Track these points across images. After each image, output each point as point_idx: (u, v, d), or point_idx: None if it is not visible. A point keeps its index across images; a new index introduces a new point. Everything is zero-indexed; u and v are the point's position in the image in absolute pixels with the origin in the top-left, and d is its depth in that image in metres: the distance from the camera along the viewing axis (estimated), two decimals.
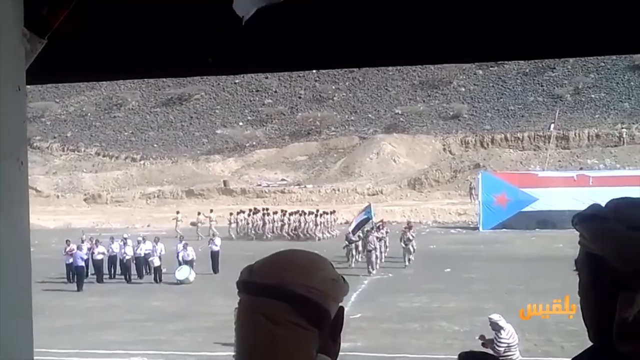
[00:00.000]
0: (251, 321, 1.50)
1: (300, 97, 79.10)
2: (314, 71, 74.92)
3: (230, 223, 44.73)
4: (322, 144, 71.84)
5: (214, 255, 31.51)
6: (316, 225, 42.86)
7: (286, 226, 43.86)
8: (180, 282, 29.11)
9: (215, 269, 30.99)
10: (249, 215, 45.10)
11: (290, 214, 44.21)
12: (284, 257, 1.56)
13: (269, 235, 42.95)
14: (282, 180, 65.71)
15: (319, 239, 41.07)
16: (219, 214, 46.21)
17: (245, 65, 2.49)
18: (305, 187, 61.23)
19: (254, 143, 74.61)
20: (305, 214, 43.62)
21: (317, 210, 44.24)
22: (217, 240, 32.90)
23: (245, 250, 30.55)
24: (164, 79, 75.85)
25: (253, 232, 43.73)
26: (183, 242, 32.01)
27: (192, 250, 30.75)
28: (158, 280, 30.08)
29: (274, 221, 44.29)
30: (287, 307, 1.47)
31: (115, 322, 22.30)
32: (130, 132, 78.76)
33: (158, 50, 2.26)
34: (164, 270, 30.34)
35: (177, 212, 47.33)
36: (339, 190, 58.90)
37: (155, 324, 21.99)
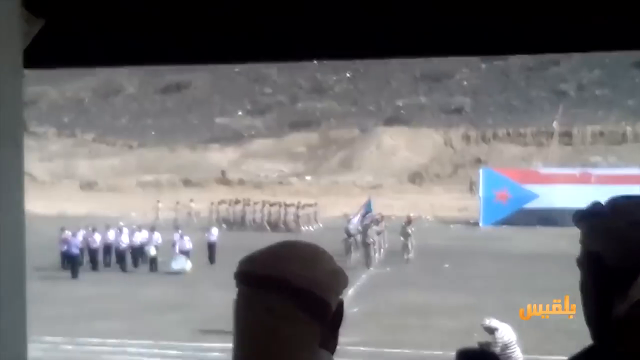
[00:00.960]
0: (251, 313, 1.47)
1: (300, 88, 79.34)
2: (315, 62, 74.84)
3: (211, 213, 45.22)
4: (322, 136, 72.05)
5: (211, 246, 31.57)
6: (297, 217, 43.38)
7: (266, 217, 44.44)
8: (177, 272, 29.12)
9: (211, 259, 30.98)
10: (230, 205, 45.57)
11: (271, 205, 44.80)
12: (284, 249, 1.53)
13: (249, 226, 43.79)
14: (281, 171, 65.80)
15: (303, 231, 41.67)
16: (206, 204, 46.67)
17: (245, 55, 2.47)
18: (304, 178, 61.29)
19: (253, 133, 74.82)
20: (286, 205, 44.18)
21: (299, 202, 44.94)
22: (214, 231, 32.96)
23: (242, 241, 30.54)
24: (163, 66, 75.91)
25: (233, 222, 44.37)
26: (180, 231, 32.07)
27: (189, 240, 30.79)
28: (154, 270, 30.08)
29: (255, 212, 44.88)
30: (288, 299, 1.44)
31: (110, 311, 22.34)
32: (128, 119, 78.85)
33: (159, 35, 2.25)
34: (159, 260, 30.33)
35: (158, 201, 47.91)
36: (338, 182, 59.06)
37: (151, 313, 21.99)
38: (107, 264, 31.44)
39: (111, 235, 31.77)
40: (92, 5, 2.15)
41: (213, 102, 79.68)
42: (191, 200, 47.37)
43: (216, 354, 17.36)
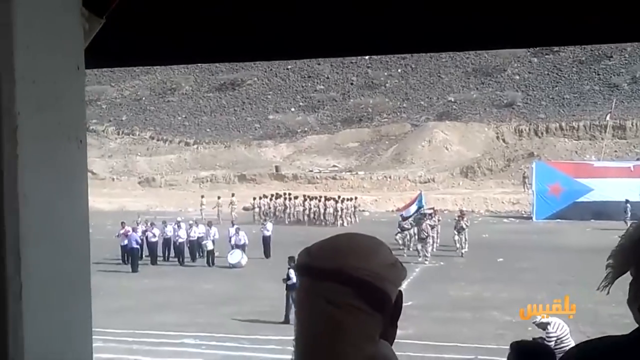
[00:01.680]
0: (313, 305, 1.47)
1: (352, 84, 78.82)
2: (366, 57, 74.58)
3: (253, 207, 45.42)
4: (374, 131, 71.57)
5: (266, 240, 31.79)
6: (336, 211, 43.30)
7: (307, 211, 44.45)
8: (233, 266, 29.41)
9: (267, 254, 31.24)
10: (270, 199, 45.90)
11: (311, 199, 44.84)
12: (342, 241, 1.53)
13: (289, 220, 43.95)
14: (334, 166, 65.73)
15: (343, 224, 41.81)
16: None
17: (296, 51, 2.50)
18: (356, 173, 61.17)
19: (306, 129, 74.67)
20: (326, 199, 44.21)
21: (339, 197, 44.95)
22: (269, 225, 33.22)
23: (287, 235, 30.92)
24: (217, 64, 76.30)
25: (274, 217, 44.18)
26: (235, 226, 32.37)
27: (244, 234, 31.06)
28: (211, 264, 30.46)
29: (295, 206, 44.97)
30: (349, 291, 1.45)
31: (169, 304, 22.66)
32: (184, 116, 79.44)
33: (215, 34, 2.26)
34: (216, 254, 30.69)
35: (202, 197, 48.51)
36: (390, 177, 58.75)
37: (208, 306, 22.27)
38: (165, 258, 32.03)
39: (169, 230, 32.30)
40: (149, 4, 2.17)
41: (266, 99, 79.75)
42: (233, 195, 47.79)
43: (272, 346, 17.51)
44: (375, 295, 1.47)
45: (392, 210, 45.31)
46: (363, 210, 48.23)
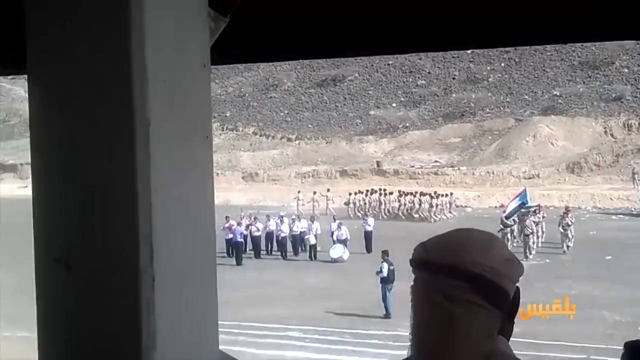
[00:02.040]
0: (429, 300, 1.47)
1: (454, 78, 77.85)
2: (469, 52, 73.49)
3: (348, 203, 45.53)
4: (476, 126, 70.56)
5: (368, 235, 31.83)
6: (431, 206, 42.98)
7: (402, 207, 44.23)
8: (335, 260, 29.55)
9: (368, 249, 31.27)
10: (366, 195, 45.86)
11: (405, 195, 44.71)
12: (458, 236, 1.53)
13: (387, 216, 43.68)
14: (435, 162, 65.16)
15: (435, 221, 41.24)
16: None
17: (396, 46, 2.50)
18: (459, 169, 60.46)
19: (407, 124, 74.23)
20: (421, 195, 44.00)
21: (435, 192, 44.73)
22: (371, 221, 33.27)
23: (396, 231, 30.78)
24: (318, 60, 76.61)
25: (370, 212, 43.84)
26: (337, 221, 32.54)
27: (347, 229, 31.17)
28: (313, 258, 30.71)
29: (390, 202, 44.82)
30: (466, 287, 1.44)
31: (272, 296, 22.94)
32: (286, 112, 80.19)
33: (330, 30, 2.29)
34: (318, 248, 30.92)
35: (299, 192, 49.29)
36: (493, 173, 57.80)
37: (311, 300, 22.44)
38: (268, 252, 32.43)
39: (272, 224, 32.74)
40: (269, 3, 2.24)
41: (367, 95, 79.62)
42: (328, 190, 48.21)
43: (374, 341, 17.53)
44: (492, 291, 1.46)
45: (495, 207, 44.59)
46: (465, 206, 47.69)
